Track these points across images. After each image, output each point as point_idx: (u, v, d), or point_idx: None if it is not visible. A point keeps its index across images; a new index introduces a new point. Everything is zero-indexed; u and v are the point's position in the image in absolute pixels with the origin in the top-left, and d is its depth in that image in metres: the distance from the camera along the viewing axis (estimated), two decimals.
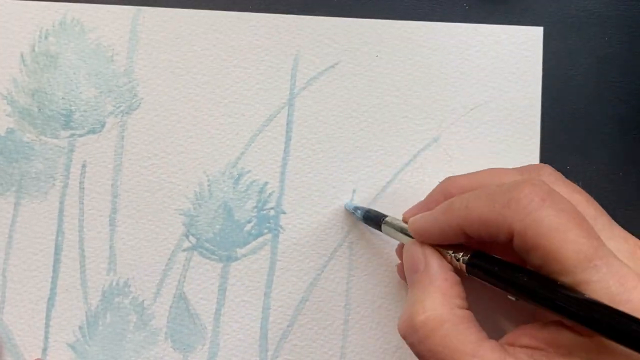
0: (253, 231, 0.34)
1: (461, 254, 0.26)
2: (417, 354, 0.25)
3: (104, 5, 0.36)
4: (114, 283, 0.34)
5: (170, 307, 0.34)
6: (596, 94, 0.36)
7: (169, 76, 0.36)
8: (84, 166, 0.35)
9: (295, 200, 0.35)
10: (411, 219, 0.28)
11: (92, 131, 0.35)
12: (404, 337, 0.26)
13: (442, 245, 0.27)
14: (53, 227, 0.35)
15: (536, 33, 0.36)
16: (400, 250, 0.32)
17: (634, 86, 0.36)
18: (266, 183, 0.35)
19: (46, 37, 0.36)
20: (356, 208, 0.33)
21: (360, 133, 0.35)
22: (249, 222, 0.34)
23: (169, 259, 0.34)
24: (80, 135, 0.35)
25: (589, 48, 0.36)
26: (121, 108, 0.35)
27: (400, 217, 0.31)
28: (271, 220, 0.35)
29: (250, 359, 0.34)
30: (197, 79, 0.36)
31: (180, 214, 0.35)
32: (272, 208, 0.35)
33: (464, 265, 0.26)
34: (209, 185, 0.35)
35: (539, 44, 0.36)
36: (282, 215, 0.35)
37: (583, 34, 0.36)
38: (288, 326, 0.34)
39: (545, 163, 0.35)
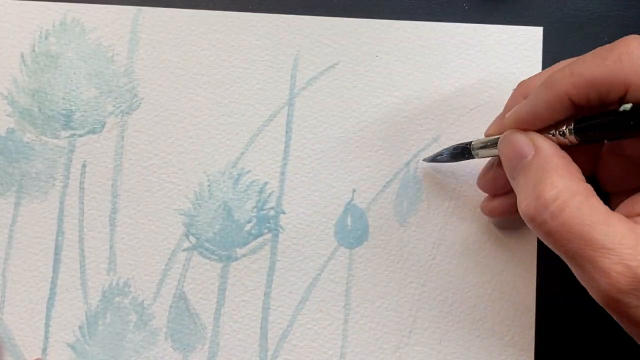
0: (253, 231, 0.34)
1: (563, 127, 0.26)
2: (547, 232, 0.25)
3: (104, 6, 0.36)
4: (114, 283, 0.34)
5: (170, 307, 0.34)
6: None
7: (169, 76, 0.36)
8: (84, 166, 0.35)
9: (295, 200, 0.35)
10: (508, 114, 0.28)
11: (93, 131, 0.35)
12: (532, 218, 0.25)
13: (542, 129, 0.27)
14: (53, 227, 0.35)
15: (536, 33, 0.36)
16: (482, 184, 0.32)
17: None
18: (266, 183, 0.35)
19: (46, 37, 0.36)
20: (440, 155, 0.33)
21: (360, 133, 0.35)
22: (249, 222, 0.34)
23: (169, 259, 0.34)
24: (81, 136, 0.35)
25: (589, 48, 0.36)
26: (121, 108, 0.35)
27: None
28: (271, 220, 0.35)
29: (250, 359, 0.34)
30: (197, 79, 0.36)
31: (180, 214, 0.35)
32: (272, 208, 0.35)
33: (572, 137, 0.26)
34: (209, 185, 0.35)
35: (538, 44, 0.36)
36: (282, 215, 0.35)
37: (583, 34, 0.36)
38: (288, 326, 0.34)
39: None
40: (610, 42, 0.36)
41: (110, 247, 0.34)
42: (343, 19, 0.36)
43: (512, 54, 0.35)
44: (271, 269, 0.34)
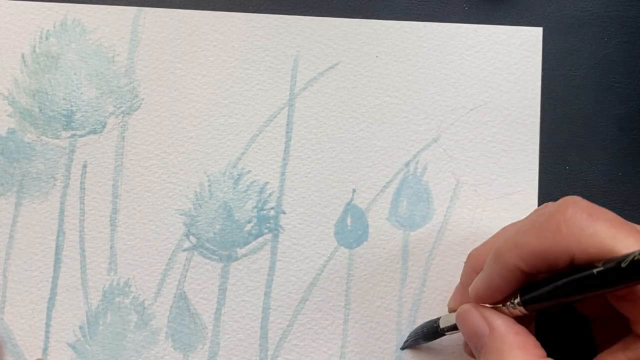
0: (253, 231, 0.34)
1: (513, 299, 0.26)
2: None
3: (105, 6, 0.36)
4: (115, 283, 0.34)
5: (171, 306, 0.34)
6: (596, 95, 0.36)
7: (169, 77, 0.36)
8: (84, 166, 0.35)
9: (295, 201, 0.35)
10: (470, 289, 0.28)
11: (93, 131, 0.35)
12: None
13: (496, 303, 0.27)
14: (54, 227, 0.35)
15: (536, 33, 0.36)
16: (467, 348, 0.31)
17: (633, 87, 0.36)
18: (266, 183, 0.35)
19: (47, 38, 0.36)
20: (405, 342, 0.33)
21: (360, 133, 0.35)
22: (249, 222, 0.35)
23: (170, 259, 0.34)
24: (81, 136, 0.35)
25: (588, 48, 0.36)
26: (122, 108, 0.36)
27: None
28: (271, 220, 0.35)
29: (251, 359, 0.34)
30: (198, 79, 0.36)
31: (181, 214, 0.35)
32: (272, 208, 0.35)
33: (521, 308, 0.26)
34: (209, 186, 0.35)
35: (538, 44, 0.36)
36: (282, 215, 0.35)
37: (583, 34, 0.36)
38: (288, 326, 0.34)
39: (545, 163, 0.35)
40: (610, 42, 0.36)
41: (111, 247, 0.34)
42: (343, 19, 0.36)
43: (512, 54, 0.36)
44: (271, 269, 0.34)
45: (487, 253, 0.28)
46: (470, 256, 0.31)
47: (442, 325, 0.30)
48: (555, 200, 0.34)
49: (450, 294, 0.34)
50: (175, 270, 0.34)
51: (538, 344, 0.26)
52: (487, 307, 0.27)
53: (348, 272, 0.34)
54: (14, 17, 0.36)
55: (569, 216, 0.24)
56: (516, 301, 0.26)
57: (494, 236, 0.30)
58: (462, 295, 0.31)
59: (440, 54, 0.36)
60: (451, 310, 0.31)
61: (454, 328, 0.30)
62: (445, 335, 0.31)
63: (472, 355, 0.30)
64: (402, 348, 0.33)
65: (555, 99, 0.36)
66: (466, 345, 0.31)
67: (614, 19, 0.36)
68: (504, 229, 0.30)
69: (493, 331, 0.26)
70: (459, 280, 0.34)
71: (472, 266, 0.30)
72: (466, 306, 0.28)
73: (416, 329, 0.33)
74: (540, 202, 0.34)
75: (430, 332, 0.32)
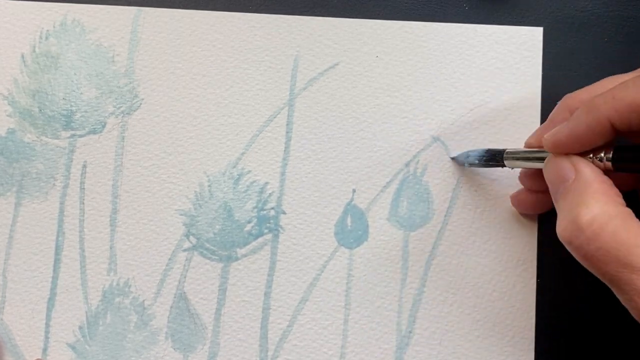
0: (253, 231, 0.34)
1: (602, 154, 0.26)
2: (584, 255, 0.25)
3: (105, 6, 0.36)
4: (115, 283, 0.34)
5: (171, 307, 0.34)
6: None
7: (169, 77, 0.36)
8: (84, 166, 0.35)
9: (295, 201, 0.35)
10: (546, 135, 0.28)
11: (93, 132, 0.35)
12: (569, 242, 0.26)
13: (581, 153, 0.27)
14: (53, 227, 0.35)
15: (536, 33, 0.36)
16: (523, 177, 0.33)
17: None
18: (266, 183, 0.35)
19: (47, 38, 0.36)
20: (467, 155, 0.33)
21: (360, 133, 0.35)
22: (249, 222, 0.35)
23: (170, 259, 0.34)
24: (81, 136, 0.35)
25: (588, 48, 0.36)
26: (122, 109, 0.35)
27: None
28: (271, 221, 0.35)
29: (251, 359, 0.34)
30: (198, 79, 0.36)
31: (181, 214, 0.35)
32: (272, 208, 0.35)
33: (608, 164, 0.26)
34: (209, 186, 0.35)
35: (538, 44, 0.36)
36: (282, 216, 0.35)
37: (583, 34, 0.36)
38: (288, 326, 0.34)
39: None
40: (610, 42, 0.36)
41: (111, 247, 0.34)
42: (343, 19, 0.36)
43: (512, 54, 0.35)
44: (271, 269, 0.34)
45: (585, 98, 0.28)
46: (567, 96, 0.31)
47: (508, 155, 0.31)
48: None
49: (450, 295, 0.34)
50: (175, 271, 0.34)
51: (621, 195, 0.26)
52: (576, 156, 0.27)
53: (348, 273, 0.34)
54: (13, 17, 0.36)
55: None
56: (606, 156, 0.26)
57: (594, 84, 0.30)
58: (543, 142, 0.30)
59: (441, 54, 0.36)
60: (528, 146, 0.31)
61: (519, 160, 0.30)
62: (503, 166, 0.31)
63: (520, 206, 0.33)
64: (452, 157, 0.35)
65: (556, 99, 0.35)
66: (514, 199, 0.34)
67: (614, 19, 0.36)
68: (606, 79, 0.29)
69: (579, 176, 0.26)
70: (459, 280, 0.34)
71: (567, 106, 0.30)
72: (558, 154, 0.28)
73: (474, 151, 0.33)
74: None
75: (491, 156, 0.32)
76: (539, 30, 0.36)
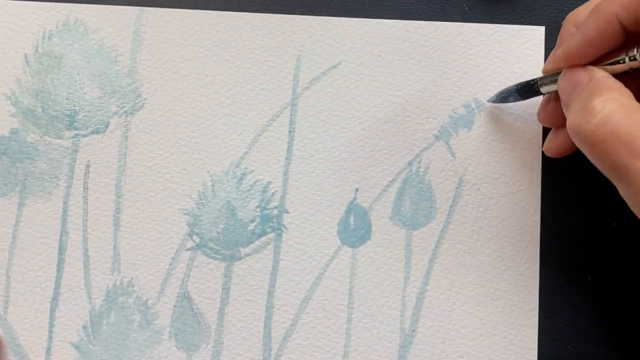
0: (256, 230, 0.35)
1: (634, 52, 0.26)
2: (593, 142, 0.25)
3: (107, 6, 0.36)
4: (118, 282, 0.34)
5: (174, 306, 0.34)
6: None
7: (172, 76, 0.36)
8: (87, 166, 0.35)
9: (298, 200, 0.35)
10: (558, 50, 0.28)
11: (96, 131, 0.35)
12: (578, 129, 0.25)
13: (594, 63, 0.27)
14: (57, 227, 0.35)
15: (538, 32, 0.36)
16: (542, 111, 0.32)
17: None
18: (269, 182, 0.35)
19: (50, 38, 0.36)
20: (500, 94, 0.34)
21: (362, 133, 0.35)
22: (252, 221, 0.35)
23: (173, 259, 0.34)
24: (84, 136, 0.35)
25: None
26: (125, 108, 0.36)
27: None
28: (274, 220, 0.35)
29: (254, 358, 0.34)
30: (200, 79, 0.36)
31: (184, 214, 0.35)
32: (275, 207, 0.35)
33: (634, 63, 0.26)
34: (212, 185, 0.35)
35: (540, 43, 0.36)
36: (285, 215, 0.35)
37: None
38: (291, 325, 0.34)
39: (548, 161, 0.35)
40: None
41: (114, 247, 0.34)
42: (345, 19, 0.36)
43: (514, 53, 0.36)
44: (275, 268, 0.34)
45: (587, 11, 0.28)
46: (570, 14, 0.31)
47: (541, 81, 0.31)
48: (557, 199, 0.35)
49: (453, 293, 0.34)
50: (179, 270, 0.34)
51: (631, 94, 0.26)
52: (590, 66, 0.28)
53: (351, 272, 0.34)
54: (16, 17, 0.36)
55: None
56: (626, 57, 0.26)
57: None
58: (556, 57, 0.30)
59: (443, 53, 0.36)
60: (545, 72, 0.31)
61: (548, 84, 0.30)
62: (540, 94, 0.31)
63: (546, 121, 0.33)
64: (491, 101, 0.35)
65: None
66: (541, 110, 0.33)
67: None
68: None
69: (593, 77, 0.27)
70: (462, 279, 0.34)
71: (572, 22, 0.30)
72: (572, 66, 0.28)
73: (508, 87, 0.34)
74: (543, 201, 0.34)
75: (525, 87, 0.32)
76: (541, 30, 0.36)
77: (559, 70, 0.29)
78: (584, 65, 0.28)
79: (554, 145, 0.32)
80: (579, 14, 0.30)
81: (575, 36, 0.28)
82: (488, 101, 0.35)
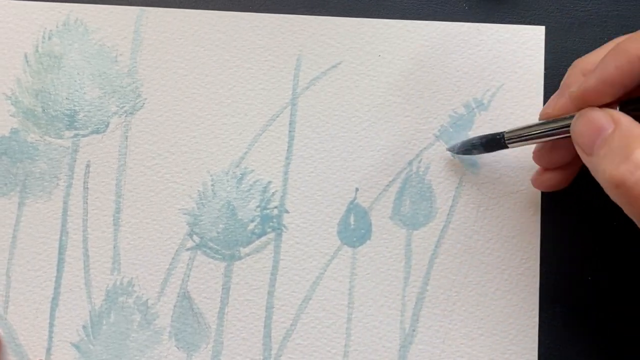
0: (256, 230, 0.35)
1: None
2: (637, 195, 0.25)
3: (108, 6, 0.36)
4: (118, 282, 0.34)
5: (174, 306, 0.34)
6: None
7: (172, 76, 0.36)
8: (88, 166, 0.35)
9: (298, 200, 0.35)
10: (572, 89, 0.28)
11: (96, 131, 0.35)
12: (621, 182, 0.25)
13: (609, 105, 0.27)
14: (57, 226, 0.35)
15: (538, 32, 0.36)
16: (538, 153, 0.32)
17: None
18: (269, 182, 0.35)
19: (50, 38, 0.36)
20: (463, 146, 0.34)
21: (362, 132, 0.35)
22: (253, 221, 0.35)
23: (173, 258, 0.34)
24: (84, 136, 0.35)
25: (589, 48, 0.36)
26: (125, 108, 0.36)
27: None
28: (274, 220, 0.35)
29: (254, 358, 0.34)
30: (201, 79, 0.36)
31: (184, 214, 0.35)
32: (275, 207, 0.35)
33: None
34: (212, 185, 0.35)
35: (541, 42, 0.36)
36: (285, 215, 0.35)
37: (583, 34, 0.36)
38: (291, 325, 0.34)
39: None
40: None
41: (114, 247, 0.34)
42: (345, 18, 0.36)
43: (514, 53, 0.36)
44: (275, 268, 0.34)
45: (597, 59, 0.28)
46: (577, 61, 0.30)
47: (508, 136, 0.31)
48: (558, 199, 0.35)
49: (454, 293, 0.34)
50: (179, 270, 0.34)
51: None
52: (609, 108, 0.27)
53: (351, 271, 0.34)
54: (16, 17, 0.36)
55: None
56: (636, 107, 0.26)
57: (602, 46, 0.30)
58: (561, 99, 0.30)
59: (443, 52, 0.36)
60: (545, 117, 0.30)
61: (519, 140, 0.30)
62: (507, 147, 0.31)
63: (540, 162, 0.32)
64: (450, 149, 0.34)
65: None
66: (535, 155, 0.32)
67: (615, 18, 0.36)
68: (614, 40, 0.29)
69: (619, 124, 0.26)
70: (462, 278, 0.34)
71: (580, 69, 0.29)
72: (589, 107, 0.27)
73: (472, 138, 0.33)
74: (543, 202, 0.34)
75: (492, 141, 0.32)
76: (541, 29, 0.36)
77: (558, 117, 0.29)
78: (600, 107, 0.27)
79: (543, 180, 0.33)
80: (587, 61, 0.30)
81: (592, 76, 0.27)
82: (448, 150, 0.35)
